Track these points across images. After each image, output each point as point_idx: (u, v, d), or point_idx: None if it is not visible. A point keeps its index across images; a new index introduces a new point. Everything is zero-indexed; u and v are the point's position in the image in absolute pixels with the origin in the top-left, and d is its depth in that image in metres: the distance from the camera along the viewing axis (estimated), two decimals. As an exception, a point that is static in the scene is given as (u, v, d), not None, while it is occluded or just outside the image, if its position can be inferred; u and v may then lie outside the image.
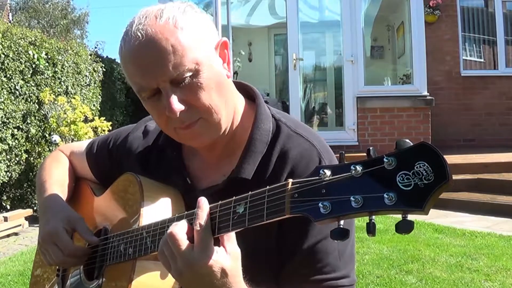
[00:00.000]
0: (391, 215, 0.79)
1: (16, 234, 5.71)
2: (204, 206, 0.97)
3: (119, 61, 1.13)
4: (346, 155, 0.83)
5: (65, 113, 6.39)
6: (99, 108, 8.15)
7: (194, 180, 1.21)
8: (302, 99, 8.62)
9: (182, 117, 1.06)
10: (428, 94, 7.98)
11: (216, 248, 0.95)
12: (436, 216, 5.51)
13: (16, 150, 6.10)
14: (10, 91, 5.93)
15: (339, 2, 8.20)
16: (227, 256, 0.95)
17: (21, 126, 6.15)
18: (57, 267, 1.36)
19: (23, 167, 6.27)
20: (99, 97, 8.24)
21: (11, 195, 6.29)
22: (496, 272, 3.86)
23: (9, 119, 5.90)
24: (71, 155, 1.51)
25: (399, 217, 0.76)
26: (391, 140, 7.62)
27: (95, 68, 8.18)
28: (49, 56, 6.71)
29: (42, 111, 6.47)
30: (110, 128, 6.72)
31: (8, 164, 5.98)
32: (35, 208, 6.07)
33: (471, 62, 9.45)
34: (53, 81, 6.79)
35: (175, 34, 1.04)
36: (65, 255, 1.24)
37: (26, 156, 6.30)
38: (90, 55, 8.24)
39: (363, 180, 0.78)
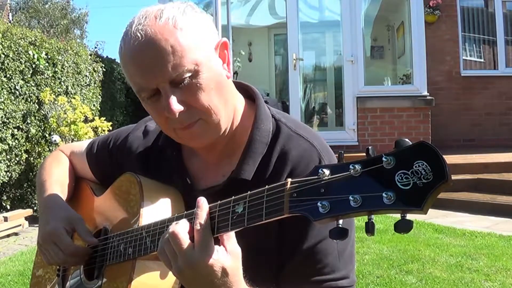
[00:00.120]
0: (390, 214, 0.79)
1: (16, 234, 5.71)
2: (203, 205, 0.97)
3: (119, 61, 1.13)
4: (346, 155, 0.83)
5: (65, 113, 6.39)
6: (99, 108, 8.15)
7: (194, 180, 1.21)
8: (302, 99, 8.62)
9: (181, 118, 1.06)
10: (428, 94, 7.98)
11: (216, 247, 0.95)
12: (436, 216, 5.51)
13: (16, 150, 6.10)
14: (10, 91, 5.92)
15: (339, 2, 8.20)
16: (228, 255, 0.95)
17: (21, 126, 6.14)
18: (57, 267, 1.37)
19: (23, 167, 6.27)
20: (99, 97, 8.24)
21: (11, 195, 6.29)
22: (496, 272, 3.86)
23: (9, 119, 5.90)
24: (71, 155, 1.51)
25: (398, 216, 0.76)
26: (391, 140, 7.62)
27: (95, 68, 8.18)
28: (49, 56, 6.71)
29: (42, 111, 6.47)
30: (111, 128, 6.72)
31: (8, 164, 5.98)
32: (35, 208, 6.07)
33: (471, 62, 9.45)
34: (53, 81, 6.79)
35: (174, 34, 1.03)
36: (65, 255, 1.24)
37: (26, 156, 6.30)
38: (90, 55, 8.24)
39: (362, 180, 0.78)
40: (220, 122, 1.11)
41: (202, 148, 1.20)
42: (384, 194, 0.75)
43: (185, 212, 1.04)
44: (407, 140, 0.77)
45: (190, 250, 0.94)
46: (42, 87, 6.49)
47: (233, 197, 0.95)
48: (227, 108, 1.12)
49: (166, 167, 1.25)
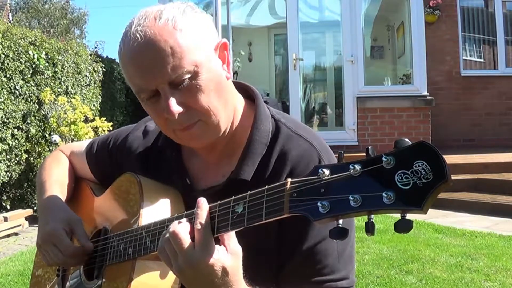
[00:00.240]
0: (390, 214, 0.79)
1: (16, 234, 5.71)
2: (203, 205, 0.97)
3: (119, 61, 1.13)
4: (346, 155, 0.83)
5: (65, 113, 6.39)
6: (99, 108, 8.15)
7: (193, 180, 1.21)
8: (302, 99, 8.62)
9: (180, 119, 1.06)
10: (428, 94, 7.98)
11: (217, 246, 0.95)
12: (436, 216, 5.51)
13: (16, 150, 6.10)
14: (10, 91, 5.92)
15: (339, 2, 8.20)
16: (228, 255, 0.95)
17: (21, 126, 6.14)
18: (57, 267, 1.37)
19: (23, 167, 6.27)
20: (99, 97, 8.24)
21: (11, 195, 6.29)
22: (496, 272, 3.86)
23: (9, 119, 5.90)
24: (71, 155, 1.51)
25: (398, 216, 0.76)
26: (391, 140, 7.58)
27: (95, 68, 8.18)
28: (49, 56, 6.71)
29: (42, 111, 6.47)
30: (111, 128, 6.72)
31: (8, 164, 5.98)
32: (35, 208, 6.07)
33: (471, 62, 9.45)
34: (53, 81, 6.79)
35: (174, 35, 1.03)
36: (65, 256, 1.24)
37: (26, 156, 6.30)
38: (90, 55, 8.24)
39: (362, 179, 0.78)
40: (220, 123, 1.11)
41: (201, 149, 1.20)
42: (384, 194, 0.75)
43: (185, 212, 1.04)
44: (407, 140, 0.77)
45: (191, 250, 0.94)
46: (42, 87, 6.49)
47: (233, 197, 0.95)
48: (226, 109, 1.12)
49: (166, 167, 1.25)
